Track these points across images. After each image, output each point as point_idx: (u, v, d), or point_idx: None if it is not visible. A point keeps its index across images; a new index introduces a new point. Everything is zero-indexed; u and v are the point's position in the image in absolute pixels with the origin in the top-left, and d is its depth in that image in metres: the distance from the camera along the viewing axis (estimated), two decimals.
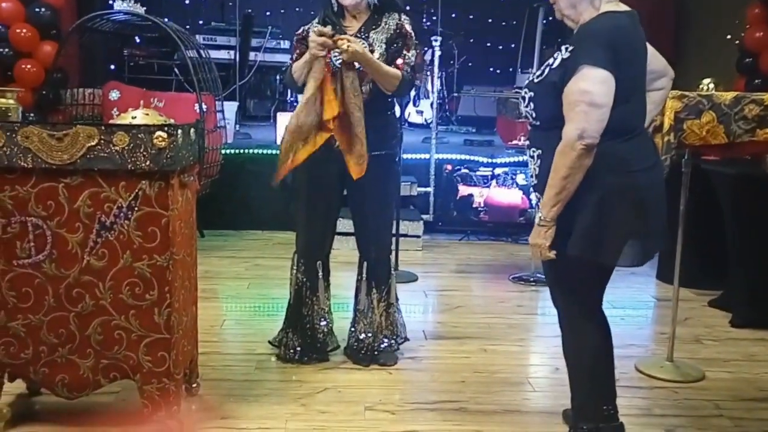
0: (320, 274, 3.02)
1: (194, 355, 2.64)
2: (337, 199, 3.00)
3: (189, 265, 2.49)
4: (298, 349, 3.01)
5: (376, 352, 3.02)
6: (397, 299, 3.13)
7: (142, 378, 2.26)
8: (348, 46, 2.61)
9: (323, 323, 3.06)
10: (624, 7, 2.07)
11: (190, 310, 2.53)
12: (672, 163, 2.74)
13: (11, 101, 2.28)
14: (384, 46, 2.82)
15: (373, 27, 2.85)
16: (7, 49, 5.73)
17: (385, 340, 3.05)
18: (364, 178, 2.84)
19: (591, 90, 1.91)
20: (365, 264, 3.02)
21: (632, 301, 4.06)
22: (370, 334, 3.02)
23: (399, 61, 2.81)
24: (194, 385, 2.66)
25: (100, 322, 2.23)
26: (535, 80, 2.10)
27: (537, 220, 2.06)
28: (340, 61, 2.67)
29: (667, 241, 2.18)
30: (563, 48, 2.02)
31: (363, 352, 3.02)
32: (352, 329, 3.08)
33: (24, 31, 5.67)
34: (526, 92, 2.12)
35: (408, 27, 2.86)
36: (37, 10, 5.73)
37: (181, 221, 2.32)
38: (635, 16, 2.07)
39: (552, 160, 1.98)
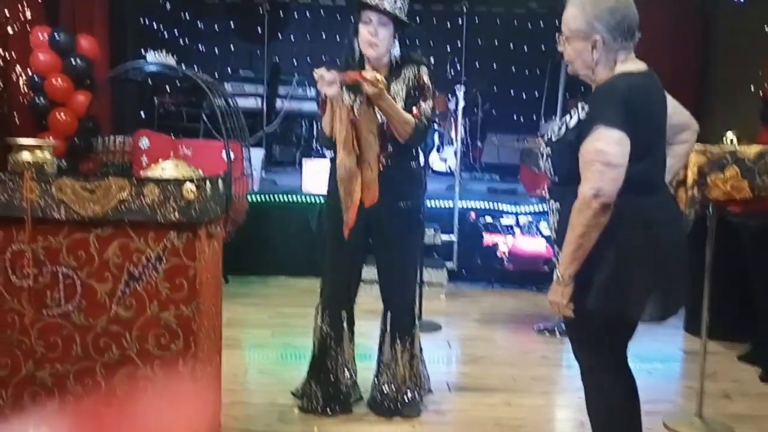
0: (345, 324, 3.02)
1: (218, 404, 2.64)
2: (362, 249, 3.00)
3: (214, 314, 2.51)
4: (321, 400, 3.00)
5: (399, 405, 2.99)
6: (421, 350, 3.12)
7: (166, 428, 2.25)
8: (375, 79, 2.64)
9: (347, 374, 3.05)
10: (641, 66, 2.09)
11: (214, 359, 2.54)
12: (696, 216, 2.73)
13: (47, 155, 2.35)
14: (404, 97, 2.86)
15: (394, 79, 2.88)
16: (42, 99, 5.92)
17: (409, 392, 3.02)
18: (388, 228, 2.88)
19: (606, 150, 1.93)
20: (389, 314, 3.01)
21: (659, 354, 3.99)
22: (393, 386, 3.00)
23: (414, 110, 2.84)
24: None
25: (125, 372, 2.24)
26: (553, 138, 2.13)
27: (555, 278, 2.06)
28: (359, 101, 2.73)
29: (689, 296, 2.17)
30: (580, 106, 2.05)
31: (386, 404, 2.99)
32: (376, 381, 3.06)
33: (59, 81, 5.87)
34: (544, 148, 2.16)
35: (426, 78, 2.88)
36: (72, 61, 5.93)
37: (208, 272, 2.36)
38: (652, 76, 2.10)
39: (569, 215, 2.00)
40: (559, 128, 2.12)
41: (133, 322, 2.23)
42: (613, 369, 2.20)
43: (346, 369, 3.04)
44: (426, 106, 2.86)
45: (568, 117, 2.11)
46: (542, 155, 2.17)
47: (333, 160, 3.03)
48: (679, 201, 2.73)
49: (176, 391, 2.24)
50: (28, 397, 2.26)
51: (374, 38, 2.79)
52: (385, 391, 3.00)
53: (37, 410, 2.26)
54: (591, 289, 2.01)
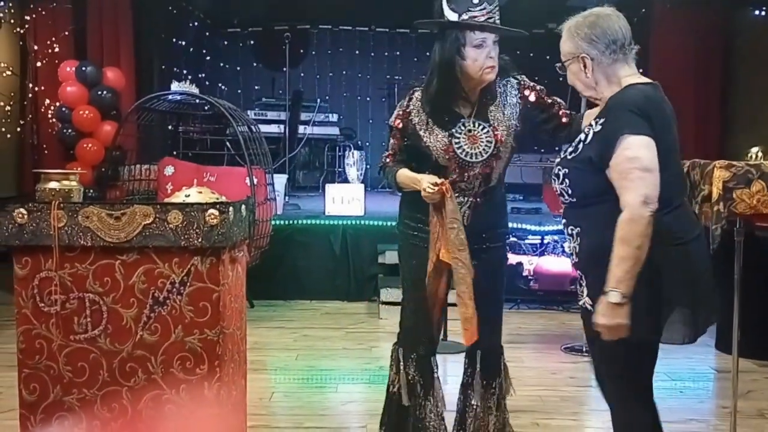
0: (435, 369, 2.63)
1: (243, 428, 2.64)
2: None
3: (238, 338, 2.52)
4: None
5: None
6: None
7: None
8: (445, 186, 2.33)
9: (440, 426, 2.64)
10: (645, 79, 2.07)
11: (239, 383, 2.54)
12: (723, 231, 2.69)
13: (74, 183, 2.39)
14: (514, 124, 2.49)
15: (491, 101, 2.49)
16: (70, 130, 6.04)
17: None
18: (481, 261, 2.51)
19: (639, 155, 1.89)
20: (478, 354, 2.60)
21: (691, 372, 3.92)
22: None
23: (562, 118, 2.52)
24: None
25: (151, 397, 2.25)
26: (568, 157, 2.08)
27: (611, 299, 1.91)
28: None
29: (719, 313, 2.12)
30: (593, 122, 2.04)
31: None
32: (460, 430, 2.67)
33: (86, 112, 6.00)
34: (559, 169, 2.09)
35: (529, 84, 2.54)
36: (99, 93, 6.07)
37: (231, 295, 2.37)
38: (659, 88, 2.08)
39: (593, 237, 1.97)
40: (575, 147, 2.08)
41: (159, 346, 2.24)
42: (640, 392, 2.11)
43: (440, 423, 2.64)
44: (558, 100, 2.54)
45: (582, 136, 2.09)
46: (557, 177, 2.10)
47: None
48: (705, 217, 2.70)
49: (202, 415, 2.24)
50: (56, 422, 2.28)
51: (493, 61, 2.41)
52: None
53: None
54: None
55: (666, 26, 6.83)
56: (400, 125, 2.53)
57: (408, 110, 2.52)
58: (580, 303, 2.10)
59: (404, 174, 2.49)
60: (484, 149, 2.44)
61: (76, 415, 2.28)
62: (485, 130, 2.46)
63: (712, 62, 6.93)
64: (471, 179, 2.46)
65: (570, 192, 2.08)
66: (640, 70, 2.13)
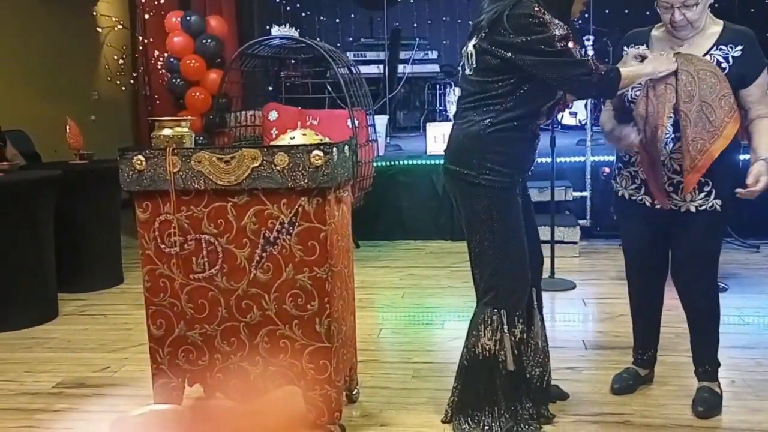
0: (533, 323, 2.56)
1: (353, 363, 2.73)
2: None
3: (346, 276, 2.58)
4: (533, 419, 2.49)
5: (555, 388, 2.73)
6: None
7: (306, 385, 2.37)
8: None
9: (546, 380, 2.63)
10: None
11: (348, 319, 2.62)
12: None
13: (185, 129, 2.49)
14: None
15: None
16: (179, 80, 6.26)
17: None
18: (527, 197, 2.58)
19: None
20: (534, 291, 2.56)
21: None
22: (547, 371, 2.63)
23: None
24: (354, 392, 2.74)
25: (266, 332, 2.36)
26: None
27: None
28: None
29: None
30: (726, 47, 2.41)
31: (553, 391, 2.69)
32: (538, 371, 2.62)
33: (193, 61, 6.18)
34: None
35: None
36: (204, 41, 6.22)
37: (338, 234, 2.42)
38: None
39: (728, 149, 2.44)
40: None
41: (271, 284, 2.34)
42: None
43: (545, 374, 2.62)
44: None
45: (718, 60, 2.40)
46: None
47: (516, 128, 2.33)
48: None
49: (314, 349, 2.33)
50: (181, 355, 2.44)
51: None
52: (547, 375, 2.64)
53: (190, 367, 2.43)
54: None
55: None
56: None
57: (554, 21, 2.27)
58: (705, 207, 2.51)
59: (632, 67, 2.49)
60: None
61: (199, 349, 2.42)
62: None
63: None
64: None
65: None
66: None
